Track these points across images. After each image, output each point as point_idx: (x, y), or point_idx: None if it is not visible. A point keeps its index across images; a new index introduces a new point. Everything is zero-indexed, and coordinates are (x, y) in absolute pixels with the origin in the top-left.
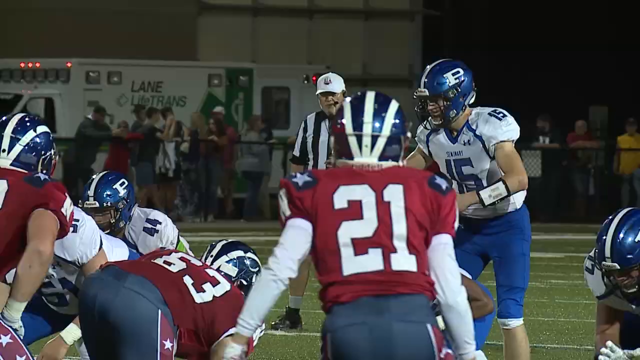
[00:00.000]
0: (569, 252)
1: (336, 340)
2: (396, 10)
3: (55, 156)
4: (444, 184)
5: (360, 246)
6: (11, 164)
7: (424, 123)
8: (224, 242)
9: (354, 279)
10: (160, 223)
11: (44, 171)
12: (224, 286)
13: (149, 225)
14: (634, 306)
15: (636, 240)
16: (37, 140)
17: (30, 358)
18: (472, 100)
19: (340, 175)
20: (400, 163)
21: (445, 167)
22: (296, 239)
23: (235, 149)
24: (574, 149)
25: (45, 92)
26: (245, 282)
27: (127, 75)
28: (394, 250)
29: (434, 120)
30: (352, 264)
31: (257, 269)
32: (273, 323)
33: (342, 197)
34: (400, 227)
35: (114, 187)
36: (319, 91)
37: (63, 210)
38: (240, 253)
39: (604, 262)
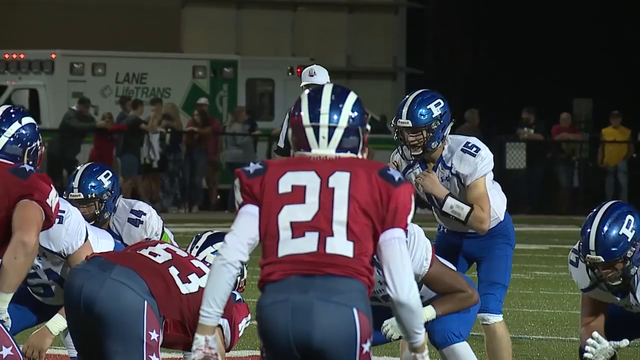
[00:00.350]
0: (554, 244)
1: (262, 317)
2: (380, 3)
3: (41, 147)
4: (396, 176)
5: (298, 229)
6: None
7: (400, 152)
8: (210, 233)
9: (286, 259)
10: (144, 214)
11: (30, 162)
12: None
13: (134, 216)
14: (618, 298)
15: (620, 233)
16: (23, 131)
17: (17, 349)
18: (448, 131)
19: (291, 162)
20: (360, 155)
21: (425, 197)
22: (245, 224)
23: (219, 140)
24: (559, 141)
25: (29, 83)
26: None
27: (112, 67)
28: (331, 235)
29: (414, 151)
30: (287, 246)
31: None
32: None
33: (287, 182)
34: (341, 213)
35: (98, 178)
36: (303, 83)
37: (48, 201)
38: None
39: (588, 255)
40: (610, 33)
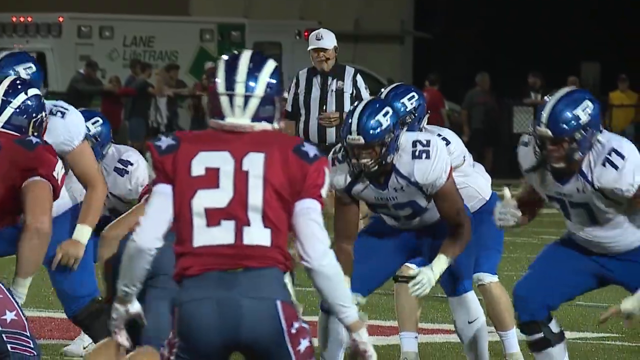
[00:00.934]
0: None
1: (183, 314)
2: None
3: (46, 119)
4: (312, 152)
5: (213, 217)
6: (2, 127)
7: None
8: None
9: (203, 251)
10: (131, 164)
11: (35, 134)
12: None
13: (120, 166)
14: (561, 184)
15: (575, 113)
16: (29, 102)
17: (21, 314)
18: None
19: (203, 139)
20: (276, 125)
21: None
22: (160, 206)
23: None
24: None
25: (37, 46)
26: None
27: (119, 30)
28: (248, 224)
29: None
30: (203, 235)
31: None
32: None
33: (200, 164)
34: (256, 198)
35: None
36: (310, 47)
37: (54, 174)
38: None
39: (538, 127)
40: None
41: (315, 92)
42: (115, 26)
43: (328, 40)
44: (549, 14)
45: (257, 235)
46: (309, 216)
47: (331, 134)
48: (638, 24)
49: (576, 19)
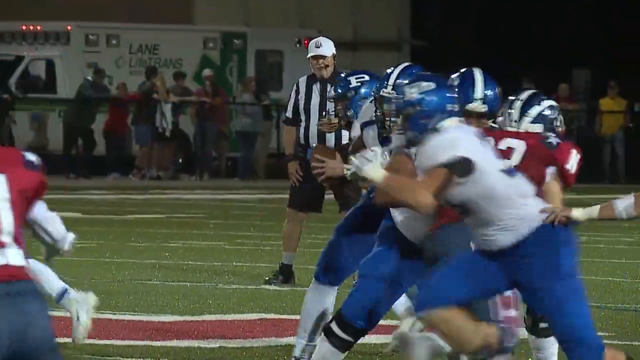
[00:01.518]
0: None
1: None
2: None
3: None
4: (34, 159)
5: None
6: None
7: None
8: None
9: None
10: None
11: None
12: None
13: None
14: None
15: (421, 92)
16: None
17: None
18: None
19: None
20: None
21: None
22: None
23: (228, 109)
24: None
25: (46, 54)
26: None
27: (125, 38)
28: (4, 246)
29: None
30: None
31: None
32: (267, 278)
33: None
34: (7, 222)
35: None
36: (310, 54)
37: None
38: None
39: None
40: (610, 5)
41: (315, 99)
42: (122, 34)
43: (327, 47)
44: (542, 20)
45: (14, 257)
46: (49, 214)
47: (330, 139)
48: (628, 31)
49: (568, 25)
